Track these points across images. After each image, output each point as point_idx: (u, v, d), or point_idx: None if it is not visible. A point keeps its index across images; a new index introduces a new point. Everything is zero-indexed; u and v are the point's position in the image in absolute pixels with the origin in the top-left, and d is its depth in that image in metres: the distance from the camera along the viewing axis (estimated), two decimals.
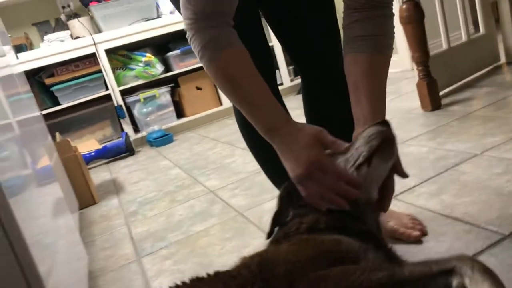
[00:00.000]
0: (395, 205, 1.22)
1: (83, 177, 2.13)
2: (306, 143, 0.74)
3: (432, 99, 2.06)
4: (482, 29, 2.53)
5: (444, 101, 2.14)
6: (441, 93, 2.15)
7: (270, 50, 1.06)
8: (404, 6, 1.99)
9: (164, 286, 1.09)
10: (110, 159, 3.18)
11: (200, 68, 3.27)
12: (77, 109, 3.29)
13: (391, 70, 0.91)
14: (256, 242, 1.26)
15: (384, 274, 0.50)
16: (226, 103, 3.59)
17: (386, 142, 0.71)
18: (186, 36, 0.77)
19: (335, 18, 1.05)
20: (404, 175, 0.77)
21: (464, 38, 2.41)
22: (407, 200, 1.24)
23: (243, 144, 1.15)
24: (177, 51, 3.46)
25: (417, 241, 1.03)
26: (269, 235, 0.76)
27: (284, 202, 0.79)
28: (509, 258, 0.88)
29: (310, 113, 1.14)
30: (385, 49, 0.86)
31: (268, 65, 1.03)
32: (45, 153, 1.62)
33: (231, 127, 3.13)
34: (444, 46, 2.31)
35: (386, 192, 0.76)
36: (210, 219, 1.54)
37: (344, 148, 0.74)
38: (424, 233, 1.04)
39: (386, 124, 0.74)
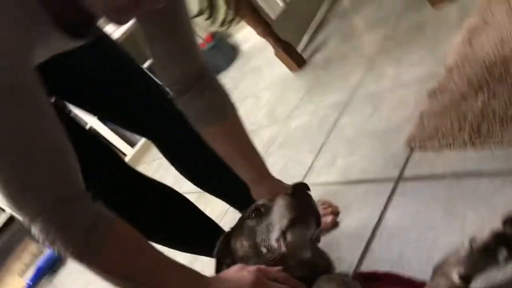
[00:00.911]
0: None
1: None
2: (236, 268, 0.69)
3: (295, 59, 2.11)
4: None
5: (305, 54, 2.19)
6: (300, 49, 2.20)
7: None
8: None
9: None
10: (53, 271, 2.96)
11: None
12: None
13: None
14: None
15: None
16: None
17: (299, 217, 0.72)
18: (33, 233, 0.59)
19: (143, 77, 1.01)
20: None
21: None
22: (310, 182, 1.25)
23: None
24: None
25: (335, 224, 1.05)
26: None
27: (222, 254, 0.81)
28: (408, 202, 0.93)
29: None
30: (230, 111, 0.88)
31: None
32: None
33: None
34: (281, 4, 2.36)
35: None
36: None
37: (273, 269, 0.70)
38: (336, 213, 1.07)
39: (296, 193, 0.74)
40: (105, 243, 0.60)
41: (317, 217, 0.76)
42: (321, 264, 0.75)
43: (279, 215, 0.73)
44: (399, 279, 0.80)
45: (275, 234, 0.72)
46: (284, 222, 0.72)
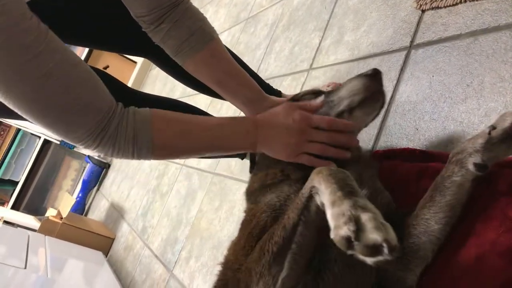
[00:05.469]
0: (317, 78, 1.19)
1: (86, 231, 2.17)
2: (284, 112, 0.71)
3: None
4: None
5: None
6: None
7: None
8: None
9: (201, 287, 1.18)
10: (96, 184, 3.19)
11: None
12: (34, 174, 3.22)
13: None
14: (239, 194, 1.30)
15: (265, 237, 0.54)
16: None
17: (370, 97, 0.70)
18: (92, 149, 0.64)
19: None
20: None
21: None
22: (321, 64, 1.21)
23: None
24: None
25: None
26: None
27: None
28: (421, 72, 0.88)
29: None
30: (212, 34, 0.81)
31: None
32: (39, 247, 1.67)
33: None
34: None
35: None
36: (196, 195, 1.57)
37: (317, 104, 0.73)
38: None
39: (374, 75, 0.71)
40: (153, 140, 0.64)
41: (383, 102, 0.73)
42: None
43: (351, 91, 0.70)
44: (416, 154, 0.79)
45: (341, 107, 0.71)
46: (356, 99, 0.70)
